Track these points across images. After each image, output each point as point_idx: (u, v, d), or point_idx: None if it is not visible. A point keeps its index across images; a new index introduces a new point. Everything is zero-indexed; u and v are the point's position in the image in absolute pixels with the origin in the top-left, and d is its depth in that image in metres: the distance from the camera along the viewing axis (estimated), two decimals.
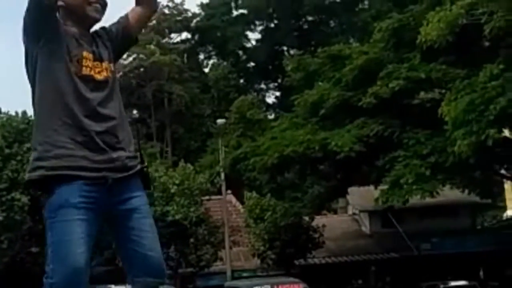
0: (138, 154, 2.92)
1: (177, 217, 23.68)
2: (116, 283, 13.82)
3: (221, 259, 25.22)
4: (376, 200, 20.48)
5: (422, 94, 20.45)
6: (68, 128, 2.70)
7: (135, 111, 45.06)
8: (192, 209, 24.28)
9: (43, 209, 2.75)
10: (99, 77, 2.80)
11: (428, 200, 20.64)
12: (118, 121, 2.83)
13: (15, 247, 20.23)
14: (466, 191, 22.05)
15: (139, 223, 2.77)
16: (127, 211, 2.78)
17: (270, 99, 48.56)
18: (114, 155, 2.78)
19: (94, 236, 2.70)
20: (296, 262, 25.68)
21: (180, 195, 24.36)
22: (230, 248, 25.39)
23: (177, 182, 24.67)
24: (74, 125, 2.71)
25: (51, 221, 2.67)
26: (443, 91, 18.46)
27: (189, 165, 26.09)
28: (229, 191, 28.51)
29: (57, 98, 2.72)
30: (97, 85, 2.79)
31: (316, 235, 25.99)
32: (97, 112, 2.75)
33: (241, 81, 46.83)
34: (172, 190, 24.44)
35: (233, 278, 22.90)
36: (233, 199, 30.29)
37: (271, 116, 39.40)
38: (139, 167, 2.87)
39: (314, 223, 26.12)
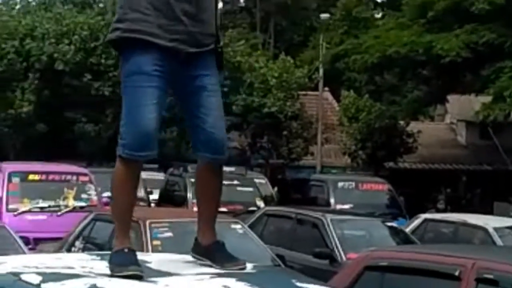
0: (215, 33, 2.87)
1: (272, 109, 23.95)
2: None
3: (312, 154, 25.54)
4: (477, 113, 19.95)
5: None
6: None
7: (242, 0, 44.83)
8: (288, 103, 24.46)
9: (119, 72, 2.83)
10: None
11: None
12: None
13: (118, 122, 21.22)
14: None
15: (206, 101, 2.80)
16: (197, 87, 2.81)
17: None
18: (191, 28, 2.75)
19: (164, 105, 2.77)
20: (386, 165, 25.67)
21: (278, 88, 24.53)
22: (322, 144, 25.60)
23: (276, 74, 24.79)
24: None
25: (125, 86, 2.74)
26: None
27: (289, 58, 26.00)
28: (326, 88, 28.38)
29: None
30: None
31: (410, 140, 25.71)
32: None
33: None
34: (271, 83, 24.63)
35: (322, 173, 23.24)
36: (330, 97, 30.18)
37: (379, 15, 38.18)
38: (213, 45, 2.86)
39: (409, 128, 25.79)
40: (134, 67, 2.71)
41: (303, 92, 25.77)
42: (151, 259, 2.89)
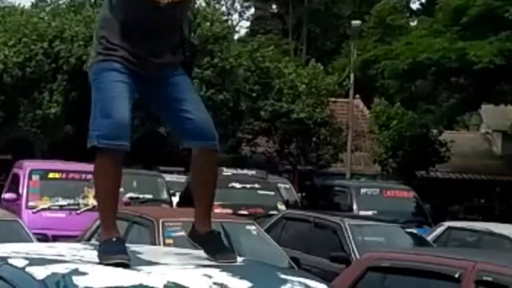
0: (183, 50, 2.98)
1: (301, 115, 23.85)
2: (235, 168, 14.62)
3: (341, 161, 25.32)
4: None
5: None
6: (121, 26, 2.83)
7: (274, 6, 44.82)
8: (317, 110, 24.33)
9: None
10: None
11: None
12: (174, 21, 2.89)
13: (145, 126, 21.30)
14: None
15: (183, 94, 2.88)
16: (169, 84, 2.90)
17: (415, 5, 46.45)
18: (161, 60, 2.89)
19: (133, 101, 2.84)
20: (418, 174, 25.30)
21: (307, 94, 24.41)
22: (352, 151, 25.37)
23: (305, 81, 24.68)
24: (128, 24, 2.82)
25: (97, 82, 2.83)
26: None
27: (319, 64, 25.89)
28: (357, 96, 28.14)
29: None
30: None
31: (442, 150, 25.32)
32: (154, 12, 2.81)
33: None
34: (300, 89, 24.53)
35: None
36: (361, 104, 29.91)
37: (414, 23, 37.77)
38: (182, 58, 2.97)
39: (442, 137, 25.40)
40: (105, 65, 2.82)
41: (333, 99, 25.60)
42: (143, 250, 2.92)
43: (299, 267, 7.63)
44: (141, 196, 13.52)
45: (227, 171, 13.11)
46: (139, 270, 2.39)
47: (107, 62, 2.81)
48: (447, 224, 10.42)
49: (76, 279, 2.22)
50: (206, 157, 2.87)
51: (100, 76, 2.81)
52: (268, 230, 9.11)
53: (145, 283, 2.25)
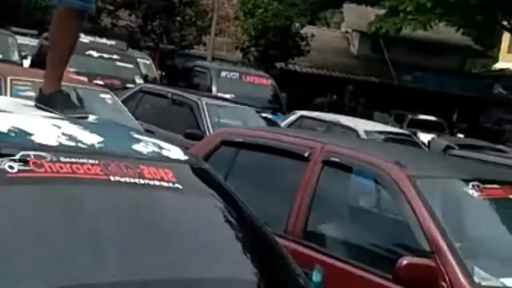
0: None
1: None
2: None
3: (204, 44, 25.10)
4: (370, 24, 20.23)
5: None
6: None
7: None
8: None
9: None
10: None
11: (421, 33, 20.39)
12: None
13: None
14: (461, 32, 21.65)
15: None
16: None
17: None
18: None
19: None
20: (277, 65, 25.72)
21: None
22: (216, 35, 25.17)
23: None
24: None
25: None
26: None
27: None
28: None
29: None
30: None
31: (303, 43, 25.77)
32: None
33: None
34: None
35: None
36: None
37: None
38: None
39: (303, 31, 25.78)
40: None
41: None
42: None
43: None
44: None
45: (84, 38, 12.50)
46: None
47: None
48: (299, 113, 10.73)
49: None
50: (76, 18, 2.77)
51: None
52: (124, 102, 8.89)
53: None
